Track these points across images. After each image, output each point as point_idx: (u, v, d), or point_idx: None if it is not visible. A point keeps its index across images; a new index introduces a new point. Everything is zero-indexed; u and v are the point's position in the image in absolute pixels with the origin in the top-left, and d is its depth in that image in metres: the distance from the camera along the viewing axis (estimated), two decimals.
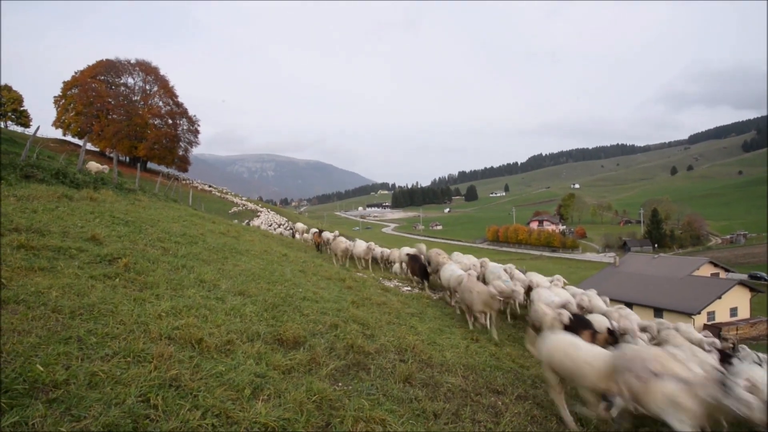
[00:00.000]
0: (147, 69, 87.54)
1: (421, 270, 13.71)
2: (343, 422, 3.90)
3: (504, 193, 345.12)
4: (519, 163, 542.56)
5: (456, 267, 12.20)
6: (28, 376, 3.30)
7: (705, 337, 9.90)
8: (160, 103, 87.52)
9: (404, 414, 4.39)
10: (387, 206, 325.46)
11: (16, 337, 3.82)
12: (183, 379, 3.81)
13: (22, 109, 69.23)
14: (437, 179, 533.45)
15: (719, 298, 35.68)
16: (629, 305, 12.03)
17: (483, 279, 12.81)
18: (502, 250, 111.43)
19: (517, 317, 12.39)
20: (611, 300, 12.83)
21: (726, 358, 8.65)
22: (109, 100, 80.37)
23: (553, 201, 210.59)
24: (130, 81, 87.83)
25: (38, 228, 7.46)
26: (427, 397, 4.97)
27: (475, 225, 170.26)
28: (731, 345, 11.25)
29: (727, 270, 46.49)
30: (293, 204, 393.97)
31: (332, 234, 22.10)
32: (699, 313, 34.63)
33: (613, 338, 7.99)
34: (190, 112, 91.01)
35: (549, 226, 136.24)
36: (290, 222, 54.00)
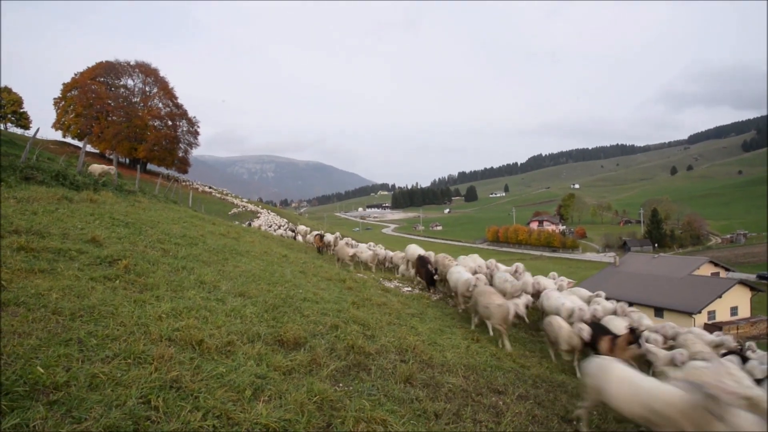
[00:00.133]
0: (147, 70, 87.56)
1: (427, 275, 13.36)
2: (344, 423, 3.89)
3: (504, 194, 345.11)
4: (519, 164, 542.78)
5: (462, 270, 12.10)
6: (29, 378, 3.29)
7: (716, 336, 9.93)
8: (160, 105, 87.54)
9: (405, 414, 4.39)
10: (387, 207, 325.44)
11: (17, 339, 3.81)
12: (184, 381, 3.80)
13: (22, 110, 69.30)
14: (437, 180, 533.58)
15: (719, 297, 35.66)
16: (629, 305, 11.97)
17: (490, 280, 12.75)
18: (502, 251, 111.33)
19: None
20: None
21: (743, 359, 8.78)
22: (109, 101, 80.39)
23: (553, 201, 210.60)
24: (130, 82, 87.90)
25: (38, 230, 7.46)
26: (428, 398, 4.97)
27: (475, 225, 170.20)
28: (737, 343, 11.22)
29: (727, 269, 46.46)
30: (293, 205, 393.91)
31: (333, 236, 22.05)
32: (699, 312, 34.62)
33: (634, 338, 7.75)
34: (190, 113, 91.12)
35: (549, 227, 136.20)
36: (290, 223, 53.99)
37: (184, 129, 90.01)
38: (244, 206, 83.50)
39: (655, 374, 7.47)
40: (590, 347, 8.43)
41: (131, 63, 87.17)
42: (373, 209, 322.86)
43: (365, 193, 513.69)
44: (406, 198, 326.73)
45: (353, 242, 21.32)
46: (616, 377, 5.15)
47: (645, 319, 10.64)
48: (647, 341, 8.72)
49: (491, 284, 12.05)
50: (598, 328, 8.52)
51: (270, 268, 10.55)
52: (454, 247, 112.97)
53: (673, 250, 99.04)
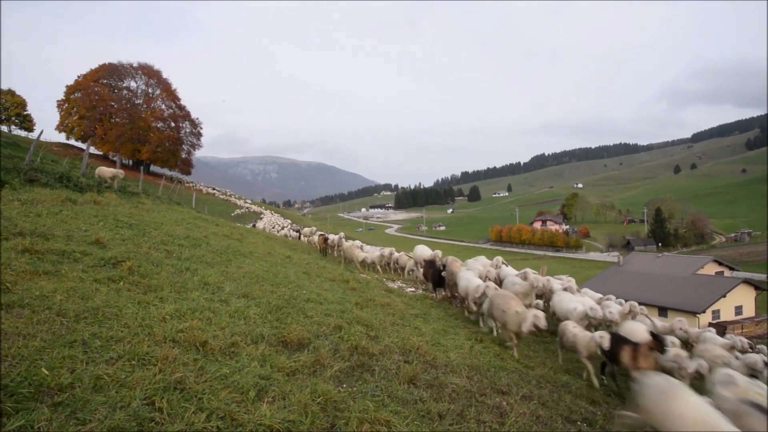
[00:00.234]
0: (149, 72, 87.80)
1: (434, 276, 12.91)
2: (347, 424, 3.89)
3: (507, 194, 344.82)
4: (522, 163, 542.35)
5: (471, 275, 11.70)
6: (33, 379, 3.30)
7: (729, 339, 9.75)
8: (163, 106, 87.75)
9: (409, 415, 4.38)
10: (390, 207, 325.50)
11: (21, 341, 3.82)
12: (188, 382, 3.81)
13: (25, 113, 69.59)
14: (440, 180, 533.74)
15: (724, 296, 35.55)
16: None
17: (498, 281, 12.58)
18: (506, 251, 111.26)
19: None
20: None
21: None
22: (112, 103, 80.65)
23: (556, 201, 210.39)
24: (133, 84, 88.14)
25: (42, 232, 7.49)
26: (431, 398, 4.96)
27: (478, 225, 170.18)
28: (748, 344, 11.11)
29: (731, 268, 46.29)
30: (296, 206, 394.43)
31: (337, 236, 22.00)
32: (704, 311, 34.52)
33: (658, 345, 7.35)
34: (193, 115, 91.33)
35: (552, 226, 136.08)
36: (294, 224, 54.05)
37: (187, 130, 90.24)
38: (248, 207, 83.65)
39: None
40: (608, 357, 8.07)
41: (134, 65, 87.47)
42: (376, 209, 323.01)
43: (368, 193, 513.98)
44: (409, 198, 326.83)
45: (360, 244, 21.18)
46: (685, 409, 4.45)
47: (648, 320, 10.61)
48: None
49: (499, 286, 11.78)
50: (617, 338, 8.06)
51: (273, 269, 10.55)
52: (457, 247, 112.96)
53: (677, 249, 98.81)
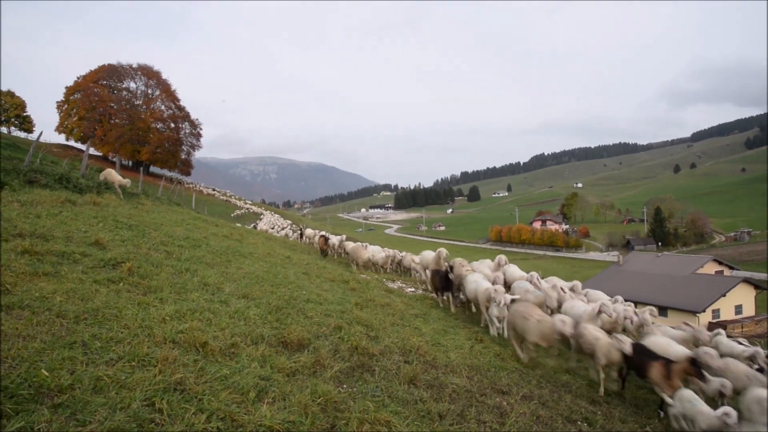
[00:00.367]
0: (149, 73, 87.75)
1: (442, 281, 11.98)
2: (348, 424, 3.89)
3: (507, 193, 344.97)
4: (521, 163, 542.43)
5: (480, 278, 11.30)
6: (33, 381, 3.30)
7: (741, 344, 9.10)
8: (162, 107, 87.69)
9: (409, 415, 4.38)
10: (390, 207, 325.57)
11: (21, 342, 3.82)
12: (188, 383, 3.81)
13: (25, 114, 69.53)
14: (440, 180, 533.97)
15: (724, 295, 35.56)
16: (634, 304, 11.84)
17: (505, 284, 11.98)
18: (506, 250, 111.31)
19: None
20: None
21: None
22: (112, 104, 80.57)
23: (556, 200, 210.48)
24: (132, 85, 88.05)
25: (42, 233, 7.49)
26: (431, 398, 4.96)
27: (478, 225, 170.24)
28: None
29: (731, 267, 46.33)
30: (296, 206, 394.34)
31: (338, 237, 21.92)
32: (704, 311, 34.53)
33: (696, 371, 6.66)
34: (192, 115, 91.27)
35: (552, 226, 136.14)
36: (294, 224, 54.05)
37: (187, 131, 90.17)
38: (247, 208, 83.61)
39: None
40: (630, 366, 7.46)
41: (133, 66, 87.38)
42: (375, 210, 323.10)
43: (368, 193, 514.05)
44: (409, 198, 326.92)
45: (364, 245, 21.03)
46: None
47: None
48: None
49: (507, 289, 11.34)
50: (644, 350, 7.38)
51: (273, 269, 10.55)
52: (457, 247, 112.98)
53: (676, 249, 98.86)
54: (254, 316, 6.08)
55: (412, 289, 13.90)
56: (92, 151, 70.14)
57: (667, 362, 6.80)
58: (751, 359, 8.27)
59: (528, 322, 7.82)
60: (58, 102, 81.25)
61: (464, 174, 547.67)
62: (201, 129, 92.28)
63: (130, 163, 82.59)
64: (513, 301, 9.35)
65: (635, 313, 9.69)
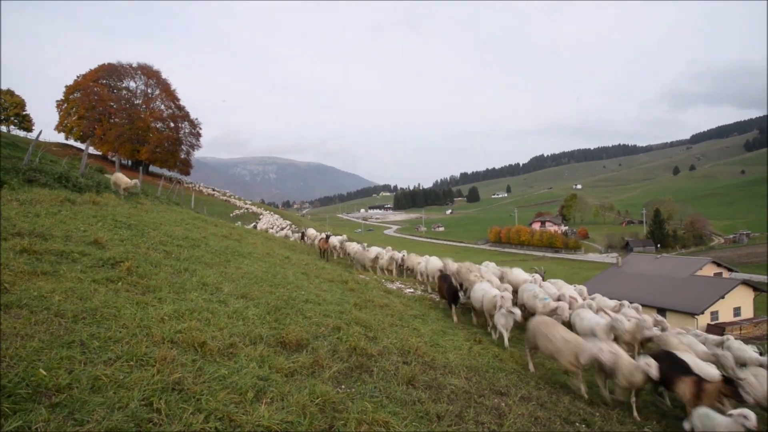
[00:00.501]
0: (149, 72, 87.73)
1: (450, 291, 11.31)
2: (346, 425, 3.89)
3: (506, 194, 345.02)
4: (521, 164, 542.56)
5: (488, 285, 10.94)
6: (31, 380, 3.30)
7: (755, 351, 8.96)
8: (162, 107, 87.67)
9: (407, 416, 4.38)
10: (389, 208, 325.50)
11: (19, 342, 3.82)
12: (186, 383, 3.81)
13: (24, 113, 69.49)
14: (439, 181, 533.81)
15: (722, 297, 35.56)
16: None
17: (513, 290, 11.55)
18: (505, 251, 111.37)
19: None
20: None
21: None
22: (111, 103, 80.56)
23: (555, 202, 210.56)
24: (132, 84, 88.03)
25: (41, 232, 7.48)
26: (430, 399, 4.96)
27: (477, 226, 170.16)
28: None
29: (730, 269, 46.34)
30: (295, 206, 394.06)
31: (338, 238, 21.79)
32: (702, 313, 34.54)
33: (732, 390, 6.24)
34: (192, 115, 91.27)
35: (551, 227, 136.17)
36: (293, 225, 54.02)
37: (186, 131, 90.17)
38: (247, 208, 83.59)
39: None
40: (658, 384, 6.94)
41: (133, 65, 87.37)
42: (375, 210, 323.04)
43: (367, 194, 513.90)
44: (408, 199, 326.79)
45: (361, 246, 20.84)
46: None
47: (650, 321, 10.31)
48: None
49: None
50: (672, 363, 6.76)
51: (272, 269, 10.55)
52: (456, 248, 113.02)
53: (675, 251, 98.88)
54: (253, 316, 6.08)
55: (411, 290, 13.90)
56: (92, 150, 70.10)
57: (700, 380, 6.33)
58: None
59: (554, 345, 7.19)
60: (57, 101, 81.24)
61: (464, 175, 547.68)
62: (200, 129, 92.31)
63: (130, 162, 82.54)
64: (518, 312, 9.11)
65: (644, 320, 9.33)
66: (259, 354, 4.86)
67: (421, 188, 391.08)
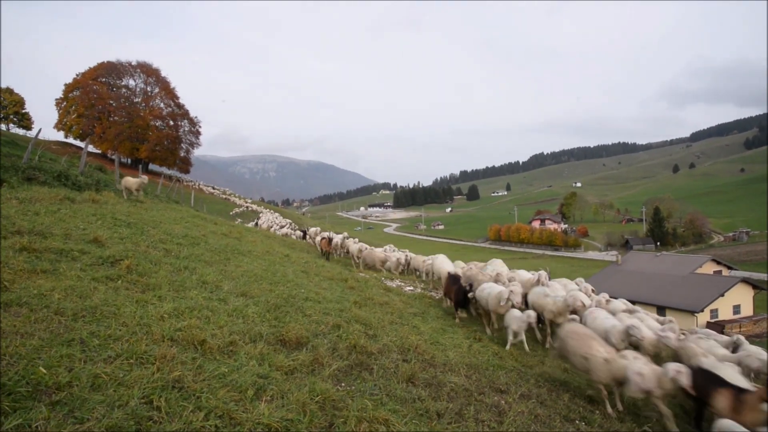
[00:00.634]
0: (148, 71, 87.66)
1: (459, 294, 10.71)
2: (346, 422, 3.89)
3: (506, 192, 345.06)
4: (521, 162, 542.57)
5: (493, 284, 10.54)
6: (31, 378, 3.30)
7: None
8: (162, 105, 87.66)
9: (407, 414, 4.38)
10: (389, 206, 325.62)
11: (19, 340, 3.82)
12: (186, 381, 3.81)
13: (23, 111, 69.47)
14: (439, 179, 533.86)
15: (722, 295, 35.60)
16: (632, 303, 11.78)
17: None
18: (504, 249, 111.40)
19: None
20: (613, 298, 12.37)
21: None
22: (111, 102, 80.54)
23: (555, 200, 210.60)
24: (131, 83, 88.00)
25: (40, 230, 7.48)
26: (430, 397, 4.96)
27: (477, 224, 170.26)
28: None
29: (729, 267, 46.38)
30: (295, 204, 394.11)
31: (340, 236, 21.65)
32: (702, 310, 34.58)
33: None
34: (192, 113, 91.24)
35: (551, 225, 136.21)
36: (293, 223, 54.01)
37: (186, 129, 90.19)
38: (247, 206, 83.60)
39: None
40: (690, 396, 6.18)
41: (132, 63, 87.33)
42: (374, 208, 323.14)
43: (367, 192, 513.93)
44: (408, 197, 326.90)
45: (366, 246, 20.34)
46: None
47: (650, 320, 10.17)
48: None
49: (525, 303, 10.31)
50: (705, 375, 6.17)
51: (272, 267, 10.55)
52: (456, 246, 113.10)
53: (675, 249, 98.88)
54: (253, 314, 6.08)
55: (411, 288, 13.90)
56: (91, 148, 70.02)
57: (739, 391, 5.76)
58: None
59: (590, 362, 6.53)
60: (57, 99, 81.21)
61: (463, 173, 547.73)
62: (200, 127, 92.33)
63: (129, 160, 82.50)
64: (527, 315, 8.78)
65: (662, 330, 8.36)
66: (259, 352, 4.86)
67: (420, 186, 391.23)
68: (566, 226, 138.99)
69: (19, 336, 3.90)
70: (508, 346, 8.75)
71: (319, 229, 28.83)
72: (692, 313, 33.96)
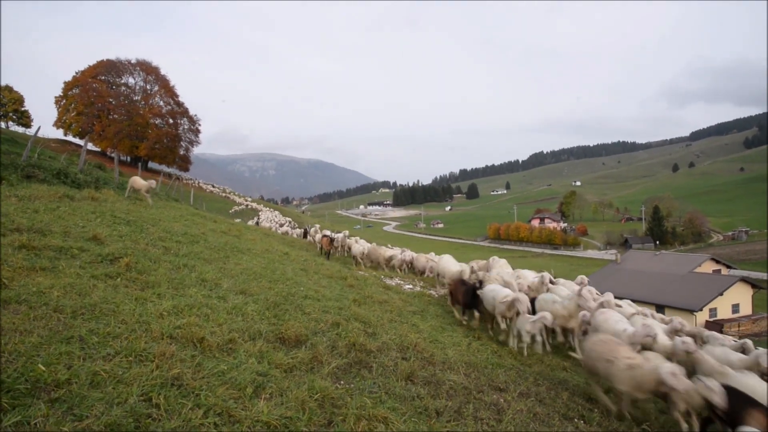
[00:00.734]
0: (147, 69, 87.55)
1: (467, 296, 9.93)
2: (345, 420, 3.89)
3: (505, 191, 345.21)
4: (520, 161, 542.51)
5: (498, 286, 9.82)
6: (30, 375, 3.30)
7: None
8: (161, 103, 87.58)
9: (406, 412, 4.38)
10: (388, 204, 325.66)
11: (18, 337, 3.82)
12: (185, 378, 3.80)
13: (23, 109, 69.39)
14: (438, 177, 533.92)
15: (721, 294, 35.70)
16: (633, 302, 11.74)
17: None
18: (504, 248, 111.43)
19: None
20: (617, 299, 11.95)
21: None
22: (110, 100, 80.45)
23: (554, 198, 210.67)
24: (131, 81, 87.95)
25: (40, 228, 7.47)
26: (429, 395, 4.96)
27: (476, 223, 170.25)
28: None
29: (728, 266, 46.52)
30: (294, 203, 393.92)
31: (341, 234, 21.52)
32: (701, 309, 34.66)
33: None
34: (191, 112, 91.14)
35: (550, 224, 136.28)
36: (292, 221, 54.00)
37: (185, 127, 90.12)
38: (246, 204, 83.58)
39: None
40: (718, 415, 5.45)
41: (132, 61, 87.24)
42: (374, 207, 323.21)
43: (366, 190, 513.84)
44: (408, 195, 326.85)
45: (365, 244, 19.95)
46: None
47: (648, 319, 10.07)
48: None
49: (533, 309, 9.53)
50: (735, 394, 5.48)
51: (271, 265, 10.55)
52: (455, 245, 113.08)
53: (674, 248, 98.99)
54: (252, 312, 6.08)
55: (410, 286, 13.90)
56: (90, 146, 69.98)
57: None
58: None
59: (612, 367, 5.99)
60: (56, 97, 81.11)
61: (463, 171, 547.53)
62: (200, 125, 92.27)
63: (129, 158, 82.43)
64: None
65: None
66: (258, 350, 4.86)
67: (420, 185, 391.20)
68: (566, 224, 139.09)
69: (18, 333, 3.90)
70: (546, 347, 8.54)
71: (318, 227, 28.62)
72: (691, 311, 34.04)
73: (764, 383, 6.00)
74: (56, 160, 20.59)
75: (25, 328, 4.03)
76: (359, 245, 19.25)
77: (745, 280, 39.21)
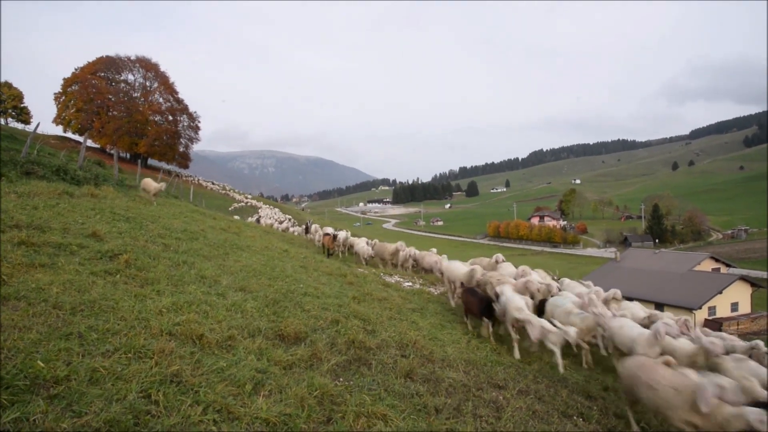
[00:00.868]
0: (147, 65, 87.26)
1: (482, 305, 9.11)
2: (344, 417, 3.89)
3: (505, 189, 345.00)
4: (520, 159, 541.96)
5: (509, 291, 9.16)
6: (29, 372, 3.29)
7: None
8: (161, 100, 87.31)
9: (405, 409, 4.39)
10: (388, 202, 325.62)
11: (17, 334, 3.81)
12: (184, 375, 3.80)
13: (22, 105, 69.29)
14: (438, 175, 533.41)
15: (720, 293, 35.71)
16: (630, 300, 11.76)
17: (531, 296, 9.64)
18: (503, 246, 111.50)
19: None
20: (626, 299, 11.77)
21: None
22: (110, 96, 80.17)
23: (554, 196, 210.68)
24: (131, 77, 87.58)
25: (39, 224, 7.46)
26: (428, 393, 4.97)
27: (476, 220, 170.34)
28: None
29: (728, 265, 46.53)
30: (294, 200, 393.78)
31: (343, 233, 21.43)
32: (700, 308, 34.69)
33: None
34: (191, 108, 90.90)
35: (550, 222, 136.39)
36: (291, 218, 53.97)
37: (185, 124, 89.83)
38: (246, 201, 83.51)
39: None
40: None
41: (131, 58, 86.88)
42: (373, 204, 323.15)
43: (366, 188, 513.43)
44: (407, 193, 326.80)
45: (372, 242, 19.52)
46: None
47: (642, 313, 10.03)
48: None
49: (541, 312, 9.40)
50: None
51: (271, 262, 10.55)
52: (455, 243, 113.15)
53: (674, 246, 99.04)
54: (251, 308, 6.08)
55: (410, 284, 13.91)
56: (90, 143, 69.87)
57: None
58: None
59: (659, 393, 5.30)
60: (55, 93, 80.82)
61: (462, 169, 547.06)
62: (199, 122, 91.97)
63: (128, 155, 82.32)
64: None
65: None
66: (257, 346, 4.86)
67: (420, 182, 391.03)
68: (565, 222, 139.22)
69: (17, 330, 3.89)
70: (560, 368, 7.54)
71: (317, 226, 28.43)
72: (690, 310, 34.06)
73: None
74: (56, 157, 20.54)
75: (24, 324, 4.03)
76: (366, 248, 18.31)
77: (744, 278, 39.22)
